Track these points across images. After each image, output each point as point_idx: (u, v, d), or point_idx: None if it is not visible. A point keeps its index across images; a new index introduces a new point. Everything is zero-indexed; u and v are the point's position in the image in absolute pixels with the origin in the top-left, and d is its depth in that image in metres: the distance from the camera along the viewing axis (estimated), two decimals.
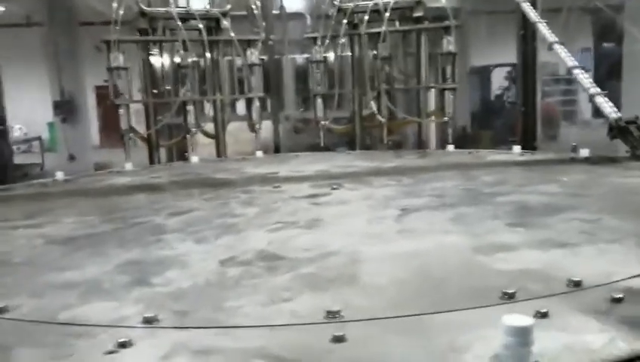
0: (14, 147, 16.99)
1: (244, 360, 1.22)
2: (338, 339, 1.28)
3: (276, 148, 6.42)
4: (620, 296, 1.40)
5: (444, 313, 1.38)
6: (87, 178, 4.31)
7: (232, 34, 5.25)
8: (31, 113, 19.42)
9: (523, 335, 1.11)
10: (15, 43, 18.84)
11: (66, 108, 13.89)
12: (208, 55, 5.35)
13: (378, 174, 3.86)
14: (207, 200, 3.20)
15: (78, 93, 14.00)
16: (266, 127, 6.50)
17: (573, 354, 1.16)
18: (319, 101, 5.62)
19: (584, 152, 4.10)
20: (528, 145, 6.10)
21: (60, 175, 4.12)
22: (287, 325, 1.39)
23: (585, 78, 4.27)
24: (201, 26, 5.10)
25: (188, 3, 5.61)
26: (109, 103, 5.12)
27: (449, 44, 5.10)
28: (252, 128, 5.63)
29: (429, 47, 5.66)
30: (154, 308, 1.50)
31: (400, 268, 1.79)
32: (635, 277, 1.55)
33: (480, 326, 1.28)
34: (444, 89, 5.31)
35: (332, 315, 1.40)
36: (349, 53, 5.77)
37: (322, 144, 5.66)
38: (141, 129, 5.65)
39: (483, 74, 21.73)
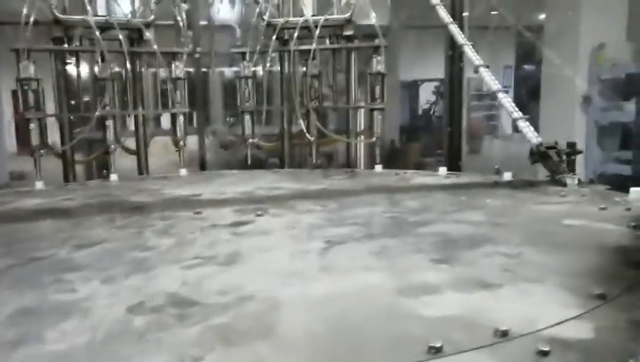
0: None
1: None
2: None
3: (202, 165, 6.20)
4: (547, 349, 1.36)
5: None
6: None
7: (155, 46, 5.01)
8: None
9: None
10: None
11: None
12: (129, 67, 5.09)
13: (304, 197, 3.77)
14: (120, 228, 2.98)
15: None
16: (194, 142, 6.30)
17: None
18: (247, 117, 5.47)
19: (507, 176, 4.18)
20: (454, 164, 6.22)
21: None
22: None
23: (508, 102, 4.36)
24: (121, 36, 4.84)
25: (108, 12, 5.33)
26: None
27: (378, 63, 5.10)
28: (176, 144, 5.40)
29: (360, 65, 5.66)
30: None
31: (318, 316, 1.68)
32: (557, 325, 1.52)
33: None
34: (373, 109, 5.30)
35: None
36: (279, 69, 5.67)
37: (249, 162, 5.50)
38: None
39: (411, 88, 22.30)
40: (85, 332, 1.59)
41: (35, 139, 4.67)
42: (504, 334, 1.46)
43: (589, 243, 2.37)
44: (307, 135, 5.37)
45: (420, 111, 22.40)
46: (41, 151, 4.70)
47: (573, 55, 8.46)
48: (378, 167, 5.15)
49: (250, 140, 5.50)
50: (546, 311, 1.60)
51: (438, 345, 1.39)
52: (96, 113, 4.78)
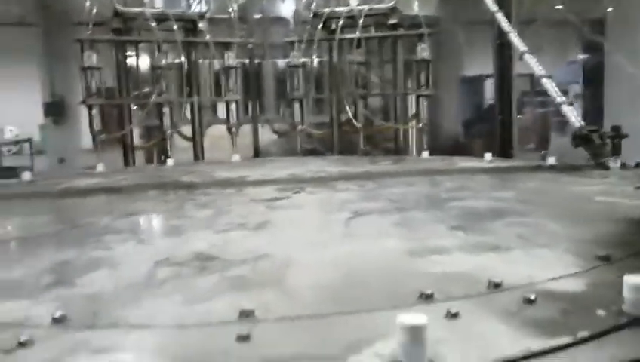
0: (4, 149, 16.91)
1: (139, 359, 1.20)
2: (242, 338, 1.26)
3: (256, 152, 6.40)
4: (533, 297, 1.40)
5: (356, 314, 1.37)
6: (53, 179, 4.27)
7: (208, 36, 5.24)
8: (23, 115, 19.33)
9: (416, 334, 1.10)
10: (7, 43, 18.76)
11: (56, 110, 13.82)
12: (183, 57, 5.34)
13: (345, 179, 3.85)
14: (165, 202, 3.18)
15: (69, 94, 13.92)
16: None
17: (465, 353, 1.15)
18: (297, 106, 5.61)
19: (551, 160, 4.11)
20: (506, 152, 6.11)
21: (27, 175, 4.09)
22: (193, 326, 1.37)
23: (552, 88, 4.28)
24: (175, 27, 5.10)
25: (165, 4, 5.61)
26: (101, 106, 5.10)
27: (423, 50, 5.11)
28: (229, 131, 5.61)
29: (408, 54, 5.67)
30: (67, 308, 1.47)
31: (328, 272, 1.77)
32: (552, 280, 1.54)
33: (386, 326, 1.26)
34: (419, 96, 5.31)
35: (245, 314, 1.39)
36: (327, 59, 5.78)
37: (300, 149, 5.64)
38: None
39: (476, 83, 21.83)
40: (111, 280, 1.76)
41: (96, 125, 4.99)
42: (497, 286, 1.51)
43: (613, 216, 2.33)
44: (354, 122, 5.44)
45: (484, 107, 21.93)
46: (101, 136, 5.02)
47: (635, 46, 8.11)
48: (425, 153, 5.15)
49: (300, 128, 5.63)
50: (546, 270, 1.63)
51: (429, 292, 1.45)
52: (152, 100, 5.05)
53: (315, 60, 5.65)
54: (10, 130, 19.96)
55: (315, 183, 3.62)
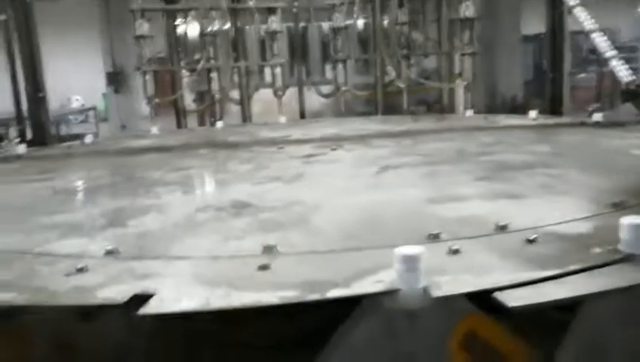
0: (72, 117, 17.75)
1: (176, 283, 1.39)
2: (263, 267, 1.43)
3: (302, 114, 6.53)
4: (533, 237, 1.49)
5: (366, 250, 1.51)
6: (111, 141, 4.57)
7: (252, 2, 5.36)
8: (88, 84, 20.11)
9: (411, 263, 1.24)
10: (72, 15, 19.40)
11: (117, 79, 14.38)
12: (228, 24, 5.49)
13: (383, 137, 3.94)
14: (211, 158, 3.38)
15: (129, 64, 14.41)
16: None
17: (459, 281, 1.27)
18: (340, 67, 5.69)
19: (597, 117, 4.05)
20: (557, 110, 6.00)
21: (88, 138, 4.40)
22: (223, 257, 1.55)
23: (602, 42, 4.17)
24: None
25: None
26: (155, 73, 5.36)
27: (467, 8, 5.05)
28: (275, 95, 5.76)
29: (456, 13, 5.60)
30: (117, 243, 1.68)
31: (350, 215, 1.92)
32: (558, 223, 1.62)
33: (392, 260, 1.39)
34: (463, 54, 5.28)
35: (268, 249, 1.55)
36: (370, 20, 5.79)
37: (343, 109, 5.74)
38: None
39: (536, 42, 20.98)
40: (157, 222, 1.96)
41: (149, 90, 5.25)
42: (503, 228, 1.60)
43: None
44: (397, 82, 5.48)
45: (544, 66, 21.12)
46: (155, 100, 5.28)
47: None
48: (469, 112, 5.14)
49: (343, 89, 5.71)
50: (557, 215, 1.70)
51: (436, 232, 1.57)
52: (200, 65, 5.25)
53: (359, 22, 5.66)
54: (77, 100, 20.91)
55: (354, 141, 3.73)
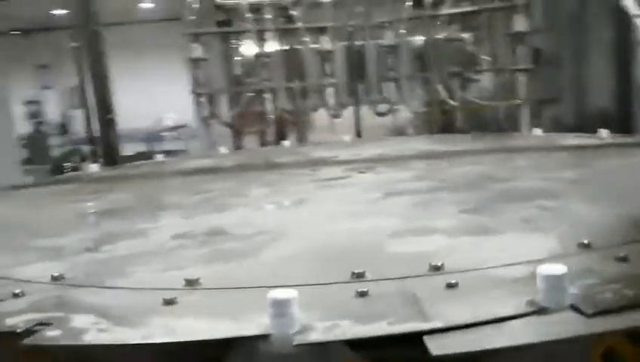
0: (166, 134, 18.88)
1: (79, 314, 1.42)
2: (168, 302, 1.44)
3: (358, 133, 6.50)
4: (455, 281, 1.38)
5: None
6: (174, 161, 4.82)
7: (300, 23, 5.42)
8: (181, 103, 21.30)
9: (282, 307, 1.20)
10: (168, 38, 20.64)
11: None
12: (282, 45, 5.58)
13: (423, 158, 3.81)
14: (237, 181, 3.42)
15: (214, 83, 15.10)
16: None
17: (338, 327, 1.20)
18: (392, 85, 5.61)
19: None
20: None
21: (158, 157, 4.70)
22: (145, 289, 1.57)
23: None
24: (269, 16, 5.32)
25: None
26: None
27: (517, 23, 4.81)
28: (330, 114, 5.78)
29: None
30: (73, 269, 1.78)
31: (301, 247, 1.90)
32: (502, 266, 1.49)
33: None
34: (516, 70, 5.01)
35: (189, 283, 1.55)
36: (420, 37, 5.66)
37: (394, 127, 5.64)
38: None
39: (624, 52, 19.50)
40: (126, 249, 2.04)
41: (205, 111, 5.46)
42: (437, 268, 1.50)
43: None
44: (449, 100, 5.31)
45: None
46: (210, 121, 5.48)
47: None
48: (537, 131, 4.79)
49: (394, 107, 5.63)
50: (508, 255, 1.57)
51: (360, 271, 1.50)
52: (250, 88, 5.39)
53: (413, 39, 5.56)
54: (171, 118, 22.20)
55: (390, 163, 3.64)
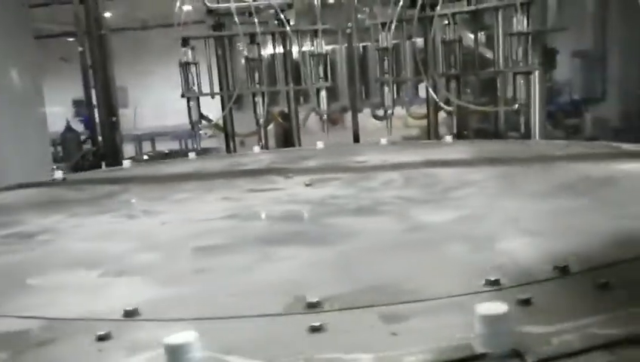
0: (202, 132, 19.10)
1: None
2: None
3: (355, 138, 6.33)
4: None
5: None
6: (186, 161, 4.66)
7: (288, 27, 5.31)
8: (216, 104, 21.52)
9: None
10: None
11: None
12: (274, 48, 5.49)
13: (389, 169, 3.63)
14: (207, 190, 3.28)
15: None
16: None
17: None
18: (386, 89, 5.46)
19: None
20: None
21: (192, 155, 4.59)
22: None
23: None
24: (256, 20, 5.22)
25: None
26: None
27: (518, 23, 4.60)
28: (320, 118, 5.67)
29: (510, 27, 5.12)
30: None
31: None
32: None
33: None
34: (516, 73, 4.81)
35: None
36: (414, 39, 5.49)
37: (390, 133, 5.48)
38: None
39: None
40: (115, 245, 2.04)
41: (194, 115, 5.41)
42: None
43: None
44: (442, 105, 5.13)
45: None
46: (199, 125, 5.43)
47: None
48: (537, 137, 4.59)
49: (389, 112, 5.47)
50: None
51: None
52: (237, 91, 5.31)
53: (404, 40, 5.40)
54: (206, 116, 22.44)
55: (353, 173, 3.47)
